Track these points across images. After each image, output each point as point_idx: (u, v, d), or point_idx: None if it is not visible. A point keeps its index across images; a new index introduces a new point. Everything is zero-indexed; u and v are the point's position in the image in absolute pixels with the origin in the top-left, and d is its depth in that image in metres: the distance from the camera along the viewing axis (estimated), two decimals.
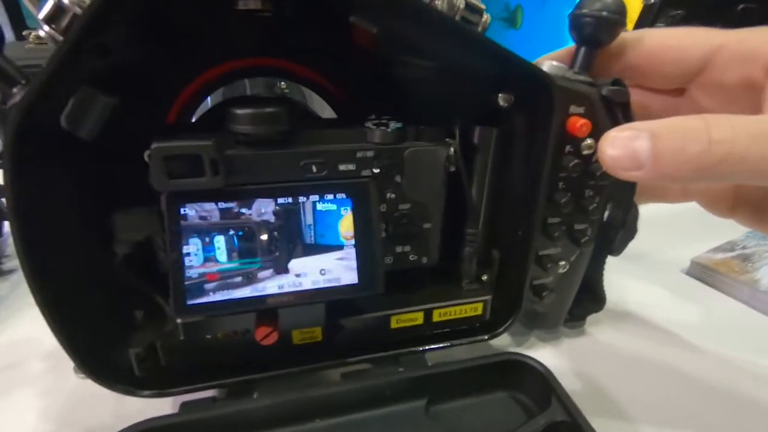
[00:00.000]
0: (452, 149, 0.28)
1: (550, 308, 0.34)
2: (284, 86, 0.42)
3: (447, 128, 0.29)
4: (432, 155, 0.27)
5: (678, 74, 0.29)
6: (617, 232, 0.33)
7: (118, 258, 0.26)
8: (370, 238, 0.26)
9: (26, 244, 0.22)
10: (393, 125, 0.26)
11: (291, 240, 0.25)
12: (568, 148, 0.28)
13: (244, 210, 0.24)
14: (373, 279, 0.26)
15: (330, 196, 0.25)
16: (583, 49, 0.30)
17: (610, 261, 0.36)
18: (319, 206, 0.25)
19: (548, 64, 0.28)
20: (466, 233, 0.31)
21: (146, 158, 0.22)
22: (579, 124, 0.26)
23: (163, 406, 0.29)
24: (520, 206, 0.30)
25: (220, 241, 0.24)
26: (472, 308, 0.31)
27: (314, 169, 0.25)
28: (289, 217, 0.25)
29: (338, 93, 0.35)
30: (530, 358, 0.30)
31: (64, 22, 0.20)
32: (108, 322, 0.27)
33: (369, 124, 0.26)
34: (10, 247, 0.46)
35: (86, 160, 0.24)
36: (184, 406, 0.27)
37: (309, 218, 0.25)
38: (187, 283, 0.24)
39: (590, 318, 0.38)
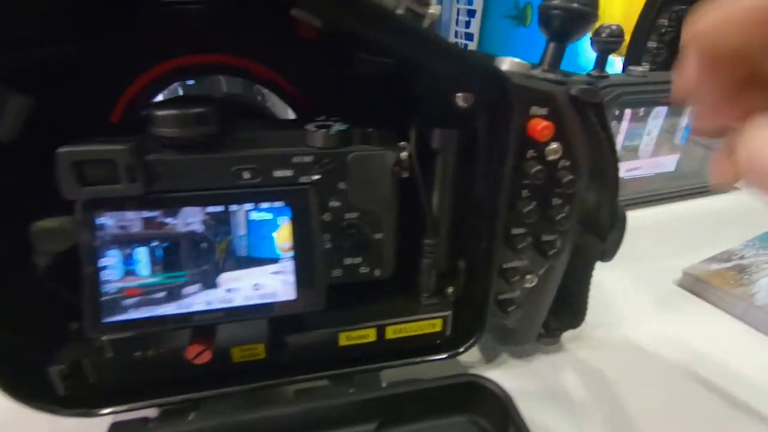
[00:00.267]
0: (405, 153, 0.26)
1: (519, 324, 0.32)
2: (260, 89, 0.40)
3: (402, 130, 0.27)
4: (378, 160, 0.25)
5: None
6: (606, 236, 0.31)
7: (41, 269, 0.24)
8: (309, 250, 0.24)
9: None
10: (336, 127, 0.24)
11: (221, 252, 0.23)
12: (530, 152, 0.26)
13: (168, 219, 0.22)
14: (313, 295, 0.24)
15: (265, 205, 0.23)
16: (552, 45, 0.27)
17: (595, 270, 0.33)
18: (253, 215, 0.23)
19: (510, 61, 0.26)
20: (424, 244, 0.28)
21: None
22: (540, 126, 0.24)
23: (101, 427, 0.27)
24: (482, 215, 0.28)
25: (141, 253, 0.22)
26: (429, 325, 0.29)
27: (246, 175, 0.23)
28: (219, 228, 0.23)
29: (296, 93, 0.33)
30: (489, 381, 0.28)
31: None
32: (32, 337, 0.25)
33: (310, 126, 0.24)
34: None
35: (3, 164, 0.23)
36: (114, 427, 0.25)
37: (241, 228, 0.23)
38: (103, 298, 0.22)
39: (570, 333, 0.36)
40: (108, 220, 0.22)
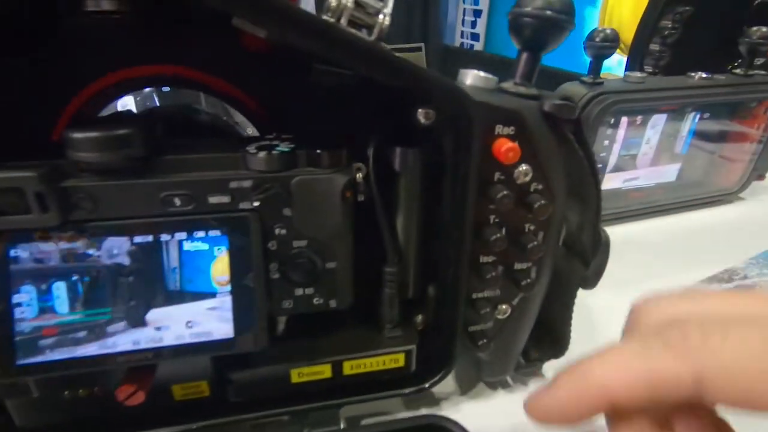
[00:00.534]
0: (360, 175, 0.24)
1: (493, 356, 0.29)
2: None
3: (361, 149, 0.25)
4: (325, 184, 0.22)
5: None
6: (588, 262, 0.28)
7: None
8: (250, 283, 0.22)
9: None
10: (279, 149, 0.22)
11: (150, 286, 0.21)
12: (497, 175, 0.23)
13: (90, 251, 0.20)
14: (253, 333, 0.22)
15: (200, 234, 0.21)
16: (525, 55, 0.25)
17: (581, 292, 0.30)
18: (187, 246, 0.21)
19: (474, 74, 0.23)
20: (384, 272, 0.26)
21: None
22: (504, 148, 0.22)
23: None
24: (449, 241, 0.25)
25: (60, 288, 0.20)
26: (392, 360, 0.27)
27: (177, 202, 0.21)
28: (147, 260, 0.21)
29: (256, 107, 0.30)
30: (452, 422, 0.25)
31: None
32: None
33: (251, 148, 0.22)
34: None
35: None
36: None
37: (173, 260, 0.21)
38: (17, 338, 0.20)
39: (553, 362, 0.33)
40: (21, 253, 0.20)
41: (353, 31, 0.20)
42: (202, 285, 0.22)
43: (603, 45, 0.47)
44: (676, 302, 0.17)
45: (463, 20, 2.34)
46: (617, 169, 0.54)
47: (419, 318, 0.30)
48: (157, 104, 0.47)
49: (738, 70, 0.57)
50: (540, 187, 0.24)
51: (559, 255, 0.31)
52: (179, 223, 0.21)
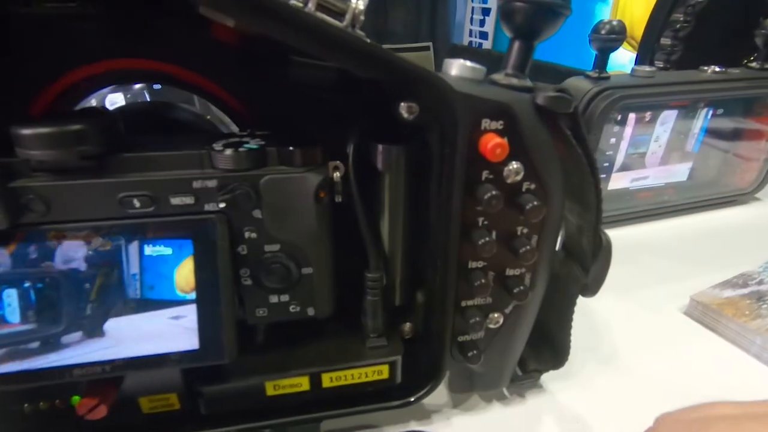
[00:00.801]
0: (337, 174, 0.22)
1: (486, 368, 0.28)
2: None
3: (338, 144, 0.23)
4: (297, 184, 0.21)
5: None
6: (588, 268, 0.26)
7: None
8: (216, 290, 0.21)
9: None
10: (248, 145, 0.20)
11: (108, 294, 0.20)
12: (485, 174, 0.21)
13: (44, 257, 0.19)
14: (219, 344, 0.21)
15: (162, 238, 0.20)
16: (517, 44, 0.23)
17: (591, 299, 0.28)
18: (148, 250, 0.20)
19: (460, 64, 0.21)
20: (366, 278, 0.24)
21: None
22: (491, 144, 0.20)
23: None
24: (436, 245, 0.24)
25: (10, 296, 0.19)
26: (375, 371, 0.25)
27: (137, 203, 0.19)
28: (105, 266, 0.20)
29: (233, 102, 0.29)
30: None
31: None
32: None
33: (217, 145, 0.20)
34: None
35: None
36: None
37: (134, 266, 0.20)
38: None
39: (552, 373, 0.31)
40: None
41: (322, 16, 0.18)
42: (164, 292, 0.20)
43: (609, 37, 0.45)
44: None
45: (471, 19, 2.32)
46: (625, 168, 0.52)
47: (407, 326, 0.28)
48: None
49: (754, 64, 0.54)
50: (533, 186, 0.22)
51: (557, 260, 0.29)
52: (139, 226, 0.20)
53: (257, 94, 0.27)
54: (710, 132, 0.54)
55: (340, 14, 0.19)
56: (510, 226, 0.23)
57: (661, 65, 0.72)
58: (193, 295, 0.20)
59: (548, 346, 0.31)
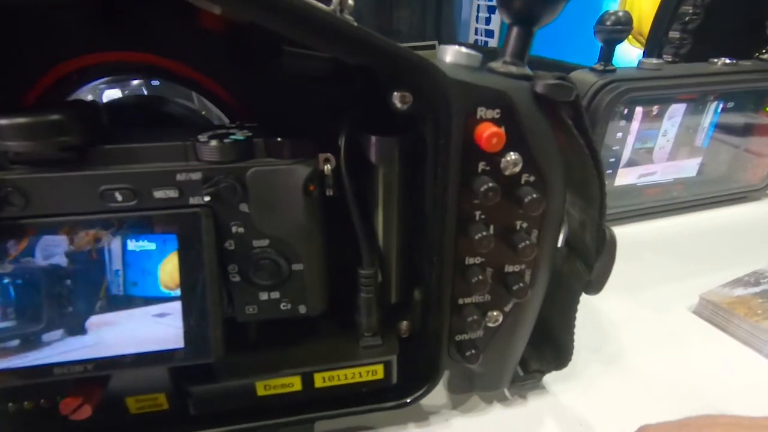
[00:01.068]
0: (328, 167, 0.22)
1: (486, 368, 0.27)
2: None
3: (332, 138, 0.22)
4: (285, 176, 0.20)
5: None
6: (591, 265, 0.25)
7: None
8: (202, 286, 0.20)
9: None
10: (234, 137, 0.20)
11: (91, 291, 0.19)
12: (482, 165, 0.20)
13: (24, 252, 0.18)
14: (205, 342, 0.20)
15: (146, 233, 0.19)
16: (515, 30, 0.22)
17: (591, 296, 0.27)
18: (131, 245, 0.19)
19: (455, 50, 0.20)
20: (360, 275, 0.24)
21: None
22: (487, 133, 0.19)
23: None
24: (432, 241, 0.23)
25: None
26: (369, 371, 0.24)
27: (119, 197, 0.19)
28: (87, 261, 0.19)
29: (228, 97, 0.28)
30: None
31: None
32: None
33: (202, 136, 0.20)
34: None
35: None
36: None
37: (116, 262, 0.19)
38: None
39: (555, 374, 0.30)
40: None
41: (314, 2, 0.17)
42: (148, 289, 0.19)
43: (615, 29, 0.44)
44: None
45: (477, 17, 2.30)
46: (632, 163, 0.50)
47: (404, 324, 0.27)
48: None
49: (766, 56, 0.53)
50: (532, 178, 0.21)
51: (560, 256, 0.28)
52: (121, 220, 0.19)
53: (250, 87, 0.27)
54: (720, 126, 0.53)
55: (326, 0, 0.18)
56: (508, 220, 0.22)
57: (670, 59, 0.71)
58: (177, 292, 0.20)
59: (551, 346, 0.30)
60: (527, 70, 0.22)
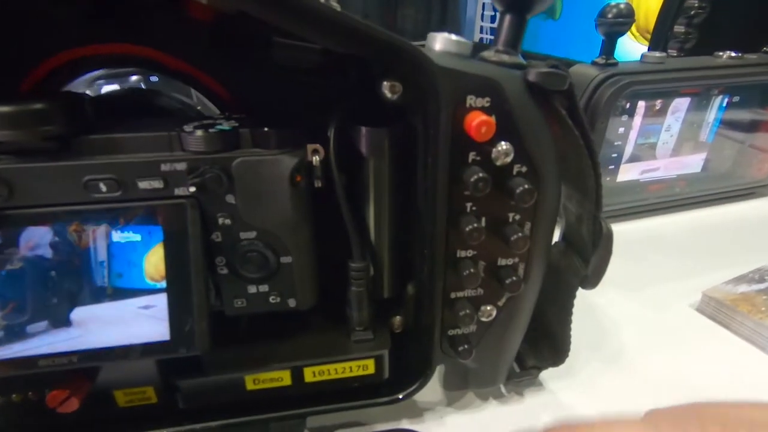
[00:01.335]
0: (316, 158, 0.21)
1: (480, 364, 0.26)
2: None
3: (322, 129, 0.22)
4: (271, 167, 0.20)
5: None
6: (588, 259, 0.25)
7: None
8: (187, 278, 0.20)
9: None
10: (219, 126, 0.19)
11: (75, 282, 0.19)
12: (472, 156, 0.20)
13: (8, 243, 0.18)
14: (192, 334, 0.20)
15: (130, 224, 0.19)
16: (508, 18, 0.22)
17: (594, 293, 0.27)
18: (116, 237, 0.19)
19: (444, 38, 0.20)
20: (350, 268, 0.23)
21: None
22: (476, 122, 0.18)
23: None
24: (422, 234, 0.22)
25: None
26: (359, 366, 0.24)
27: (103, 187, 0.18)
28: (71, 252, 0.19)
29: (220, 90, 0.28)
30: None
31: None
32: None
33: (187, 126, 0.19)
34: None
35: None
36: None
37: (101, 253, 0.19)
38: None
39: (554, 369, 0.30)
40: None
41: None
42: (133, 281, 0.19)
43: (616, 21, 0.43)
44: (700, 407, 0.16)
45: (482, 15, 2.29)
46: (634, 159, 0.50)
47: (397, 319, 0.27)
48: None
49: None
50: (524, 169, 0.21)
51: (557, 251, 0.27)
52: (106, 211, 0.19)
53: (243, 80, 0.26)
54: (725, 121, 0.52)
55: None
56: (500, 213, 0.21)
57: (675, 53, 0.69)
58: (163, 284, 0.19)
59: (547, 343, 0.29)
60: (520, 59, 0.22)
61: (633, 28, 0.75)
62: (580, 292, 0.26)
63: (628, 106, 0.46)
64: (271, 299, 0.22)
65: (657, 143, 0.50)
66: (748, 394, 0.30)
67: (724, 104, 0.50)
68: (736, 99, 0.50)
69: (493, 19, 2.28)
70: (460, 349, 0.24)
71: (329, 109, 0.23)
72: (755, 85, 0.50)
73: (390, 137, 0.22)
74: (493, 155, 0.20)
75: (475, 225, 0.20)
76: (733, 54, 0.49)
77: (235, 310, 0.22)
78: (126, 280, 0.19)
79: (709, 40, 0.68)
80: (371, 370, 0.24)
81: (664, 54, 0.48)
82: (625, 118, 0.47)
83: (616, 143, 0.48)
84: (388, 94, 0.20)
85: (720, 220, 0.52)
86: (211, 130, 0.19)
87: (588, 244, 0.25)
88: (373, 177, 0.23)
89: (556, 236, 0.26)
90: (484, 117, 0.18)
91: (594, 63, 0.45)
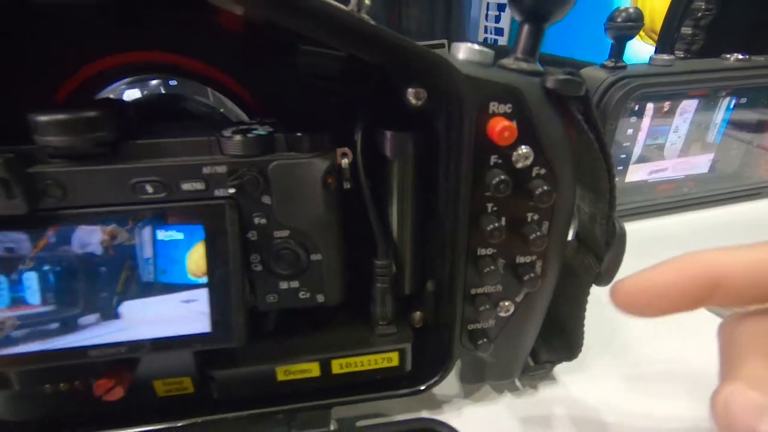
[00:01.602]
0: (345, 161, 0.22)
1: (498, 357, 0.27)
2: None
3: (348, 134, 0.23)
4: (305, 169, 0.21)
5: None
6: (602, 257, 0.26)
7: None
8: (227, 275, 0.21)
9: None
10: (254, 132, 0.21)
11: (123, 278, 0.20)
12: (494, 159, 0.21)
13: (62, 241, 0.20)
14: (230, 327, 0.21)
15: (174, 223, 0.20)
16: (526, 27, 0.23)
17: (603, 292, 0.28)
18: (161, 235, 0.20)
19: (467, 47, 0.21)
20: (375, 266, 0.25)
21: None
22: (499, 127, 0.20)
23: None
24: (445, 233, 0.24)
25: (30, 279, 0.20)
26: (384, 359, 0.25)
27: (149, 189, 0.20)
28: (120, 250, 0.20)
29: (247, 96, 0.29)
30: (447, 426, 0.23)
31: None
32: None
33: (226, 131, 0.21)
34: None
35: None
36: None
37: (147, 250, 0.20)
38: None
39: (569, 363, 0.31)
40: None
41: (333, 1, 0.18)
42: (176, 276, 0.21)
43: (626, 25, 0.44)
44: None
45: (486, 15, 2.29)
46: (642, 160, 0.51)
47: (417, 315, 0.28)
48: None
49: None
50: (542, 171, 0.22)
51: (570, 250, 0.28)
52: (152, 211, 0.20)
53: (267, 85, 0.28)
54: (733, 122, 0.52)
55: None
56: (519, 212, 0.23)
57: (682, 55, 0.70)
58: (204, 280, 0.21)
59: (561, 338, 0.30)
60: (538, 67, 0.23)
61: None
62: (592, 289, 0.27)
63: (637, 108, 0.47)
64: (301, 295, 0.24)
65: (665, 144, 0.51)
66: None
67: (732, 106, 0.51)
68: (743, 100, 0.51)
69: (497, 19, 2.28)
70: (480, 342, 0.25)
71: (347, 112, 0.24)
72: (762, 86, 0.51)
73: (413, 140, 0.24)
74: (513, 158, 0.21)
75: (497, 224, 0.22)
76: (740, 56, 0.50)
77: (267, 305, 0.23)
78: (169, 275, 0.21)
79: (716, 42, 0.68)
80: (395, 362, 0.26)
81: (672, 56, 0.48)
82: (633, 119, 0.48)
83: (624, 144, 0.49)
84: (413, 101, 0.21)
85: (728, 220, 0.52)
86: (249, 135, 0.20)
87: (601, 242, 0.26)
88: (396, 179, 0.24)
89: (570, 235, 0.27)
90: (506, 122, 0.20)
91: (603, 66, 0.46)
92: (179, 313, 0.21)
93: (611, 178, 0.24)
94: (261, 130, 0.21)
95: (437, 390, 0.28)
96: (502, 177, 0.21)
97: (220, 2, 0.20)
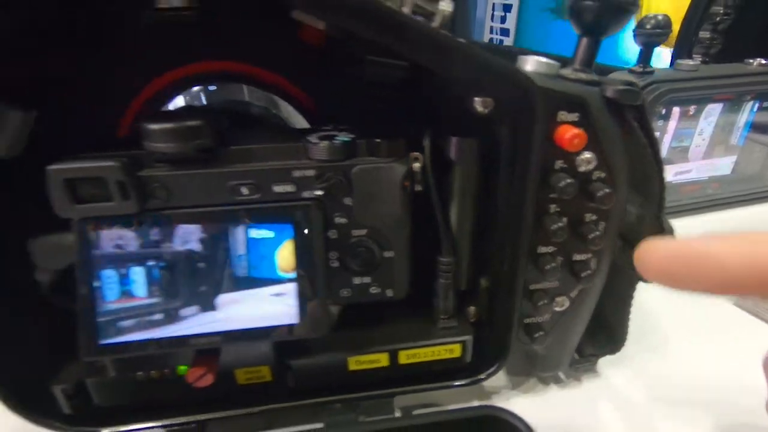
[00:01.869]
0: (417, 165, 0.24)
1: (549, 350, 0.29)
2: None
3: (415, 140, 0.25)
4: (386, 173, 0.23)
5: None
6: None
7: (44, 286, 0.24)
8: (313, 270, 0.23)
9: None
10: (339, 138, 0.22)
11: (219, 272, 0.22)
12: (559, 163, 0.23)
13: (165, 238, 0.21)
14: (316, 319, 0.23)
15: (265, 222, 0.22)
16: (584, 41, 0.24)
17: (641, 287, 0.29)
18: (253, 233, 0.22)
19: (535, 60, 0.23)
20: (440, 263, 0.26)
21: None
22: (569, 135, 0.21)
23: None
24: (506, 232, 0.25)
25: (137, 273, 0.21)
26: (447, 350, 0.27)
27: (245, 191, 0.22)
28: (217, 247, 0.22)
29: (308, 101, 0.31)
30: (510, 413, 0.25)
31: None
32: (39, 353, 0.25)
33: (312, 138, 0.22)
34: None
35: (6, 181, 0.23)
36: None
37: (240, 247, 0.22)
38: (99, 320, 0.21)
39: (608, 357, 0.32)
40: (103, 239, 0.21)
41: (419, 18, 0.20)
42: (267, 272, 0.22)
43: (654, 32, 0.45)
44: None
45: (492, 15, 2.30)
46: (668, 162, 0.52)
47: (472, 309, 0.30)
48: (204, 103, 0.49)
49: None
50: (602, 175, 0.23)
51: (616, 248, 0.30)
52: (246, 211, 0.22)
53: (331, 92, 0.29)
54: (756, 125, 0.54)
55: (429, 16, 0.20)
56: (580, 213, 0.24)
57: (700, 60, 0.72)
58: (292, 275, 0.22)
59: (605, 332, 0.32)
60: (595, 77, 0.24)
61: None
62: None
63: (663, 111, 0.49)
64: (372, 290, 0.25)
65: (690, 146, 0.52)
66: None
67: (755, 109, 0.53)
68: (766, 104, 0.53)
69: (503, 19, 2.29)
70: (536, 335, 0.27)
71: (405, 118, 0.25)
72: None
73: (476, 145, 0.25)
74: (577, 163, 0.23)
75: (560, 224, 0.23)
76: (763, 61, 0.51)
77: (341, 300, 0.25)
78: (261, 270, 0.22)
79: (734, 46, 0.70)
80: (457, 353, 0.27)
81: (697, 62, 0.50)
82: (660, 122, 0.49)
83: None
84: (480, 108, 0.23)
85: (752, 220, 0.54)
86: (334, 141, 0.22)
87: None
88: (459, 181, 0.26)
89: None
90: (576, 130, 0.21)
91: (631, 71, 0.48)
92: (269, 306, 0.22)
93: (662, 181, 0.26)
94: (344, 137, 0.22)
95: (487, 382, 0.30)
96: (569, 180, 0.22)
97: (305, 17, 0.22)
